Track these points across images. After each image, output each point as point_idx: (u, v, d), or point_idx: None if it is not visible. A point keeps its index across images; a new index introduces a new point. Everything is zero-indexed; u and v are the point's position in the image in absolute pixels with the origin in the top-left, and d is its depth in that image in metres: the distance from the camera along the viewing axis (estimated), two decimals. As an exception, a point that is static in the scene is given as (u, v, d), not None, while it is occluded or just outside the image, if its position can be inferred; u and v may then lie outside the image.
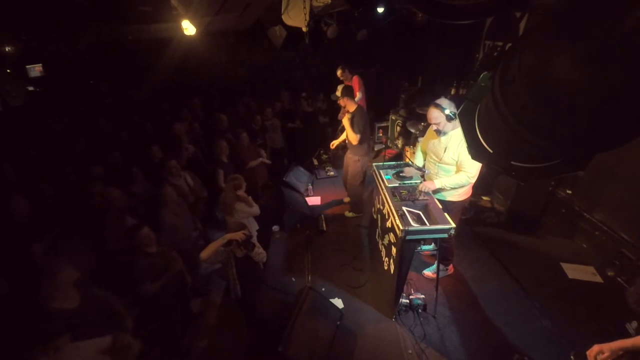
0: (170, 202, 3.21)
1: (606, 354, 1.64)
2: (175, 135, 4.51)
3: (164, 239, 2.91)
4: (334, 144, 4.58)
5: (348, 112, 4.06)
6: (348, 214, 4.71)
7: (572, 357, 2.32)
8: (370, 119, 6.26)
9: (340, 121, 4.36)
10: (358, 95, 5.79)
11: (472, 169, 2.75)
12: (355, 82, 5.77)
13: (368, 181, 4.71)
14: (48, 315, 1.86)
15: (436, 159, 2.98)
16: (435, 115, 2.78)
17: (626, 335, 1.84)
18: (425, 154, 3.24)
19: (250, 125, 5.34)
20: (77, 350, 1.66)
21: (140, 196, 3.47)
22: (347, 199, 4.90)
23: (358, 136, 4.00)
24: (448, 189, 2.92)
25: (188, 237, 3.41)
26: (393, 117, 6.42)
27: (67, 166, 3.74)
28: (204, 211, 4.06)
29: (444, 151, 2.86)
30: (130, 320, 2.29)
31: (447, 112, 2.72)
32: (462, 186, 2.89)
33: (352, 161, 4.31)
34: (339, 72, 5.68)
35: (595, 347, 1.71)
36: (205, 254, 2.37)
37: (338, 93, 4.19)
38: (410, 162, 3.34)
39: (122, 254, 2.69)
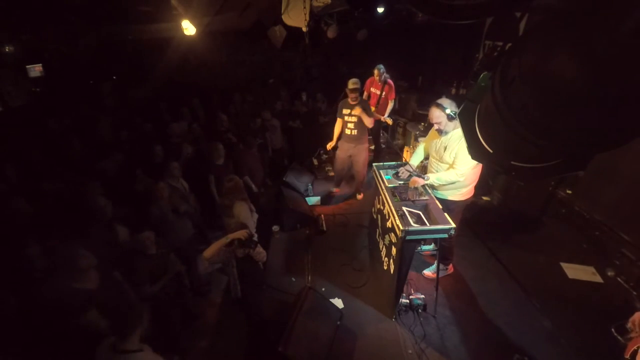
0: (161, 199, 3.22)
1: None
2: (174, 135, 4.51)
3: (163, 240, 2.91)
4: (331, 145, 4.69)
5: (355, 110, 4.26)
6: (359, 196, 4.98)
7: (612, 330, 2.30)
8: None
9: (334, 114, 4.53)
10: (390, 104, 5.47)
11: (463, 167, 2.76)
12: (391, 88, 5.42)
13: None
14: (73, 292, 2.11)
15: (437, 159, 3.00)
16: (436, 114, 2.79)
17: (626, 335, 1.85)
18: (426, 153, 3.25)
19: (249, 124, 5.35)
20: None
21: (142, 194, 3.46)
22: (360, 196, 5.01)
23: (373, 120, 4.31)
24: (436, 184, 2.97)
25: (182, 236, 3.41)
26: (393, 117, 6.41)
27: (66, 167, 3.74)
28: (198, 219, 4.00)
29: (444, 150, 2.88)
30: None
31: (448, 111, 2.73)
32: (451, 183, 2.89)
33: (364, 149, 4.57)
34: (376, 72, 5.33)
35: (637, 314, 1.73)
36: (208, 253, 2.38)
37: (356, 85, 4.12)
38: (409, 163, 3.34)
39: (120, 258, 2.69)
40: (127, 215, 3.14)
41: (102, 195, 3.00)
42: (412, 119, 6.00)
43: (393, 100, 5.47)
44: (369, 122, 4.26)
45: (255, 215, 3.42)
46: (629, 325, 1.75)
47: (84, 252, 2.21)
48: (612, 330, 2.26)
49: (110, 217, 2.93)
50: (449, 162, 2.89)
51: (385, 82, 5.29)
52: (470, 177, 2.88)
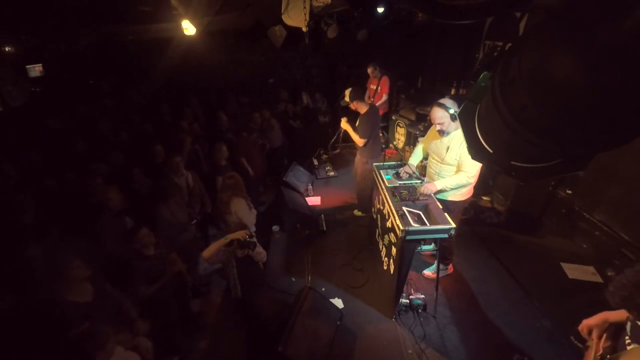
0: (170, 197, 3.22)
1: (595, 332, 1.66)
2: (180, 130, 4.52)
3: (162, 237, 2.90)
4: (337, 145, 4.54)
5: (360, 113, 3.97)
6: (357, 212, 4.68)
7: (571, 337, 2.29)
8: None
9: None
10: (384, 97, 5.85)
11: (473, 169, 2.75)
12: (385, 82, 5.78)
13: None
14: (66, 306, 2.02)
15: (438, 160, 2.97)
16: (439, 115, 2.76)
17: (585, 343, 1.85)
18: (425, 153, 3.24)
19: (248, 124, 5.34)
20: None
21: (141, 194, 3.46)
22: (356, 211, 4.72)
23: (363, 140, 3.93)
24: (449, 189, 2.92)
25: (185, 236, 3.41)
26: (393, 117, 6.41)
27: (67, 166, 3.73)
28: (203, 214, 4.01)
29: (446, 151, 2.85)
30: (136, 314, 2.34)
31: (451, 111, 2.71)
32: (463, 186, 2.89)
33: (361, 163, 4.21)
34: (369, 70, 5.71)
35: (584, 322, 1.76)
36: (207, 253, 2.38)
37: (347, 98, 3.88)
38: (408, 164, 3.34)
39: (120, 257, 2.69)
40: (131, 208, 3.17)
41: (114, 186, 3.04)
42: (412, 119, 5.99)
43: (386, 94, 5.92)
44: (355, 139, 3.96)
45: (254, 212, 3.41)
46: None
47: (77, 262, 2.11)
48: (571, 338, 2.23)
49: (121, 209, 2.97)
50: (451, 164, 2.87)
51: (380, 78, 5.74)
52: None
